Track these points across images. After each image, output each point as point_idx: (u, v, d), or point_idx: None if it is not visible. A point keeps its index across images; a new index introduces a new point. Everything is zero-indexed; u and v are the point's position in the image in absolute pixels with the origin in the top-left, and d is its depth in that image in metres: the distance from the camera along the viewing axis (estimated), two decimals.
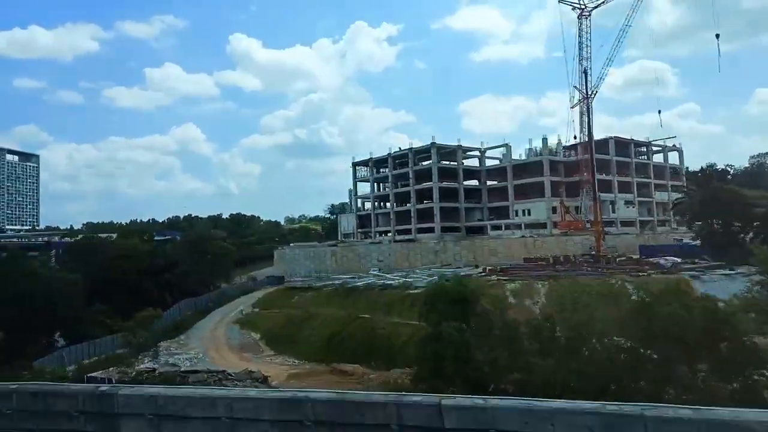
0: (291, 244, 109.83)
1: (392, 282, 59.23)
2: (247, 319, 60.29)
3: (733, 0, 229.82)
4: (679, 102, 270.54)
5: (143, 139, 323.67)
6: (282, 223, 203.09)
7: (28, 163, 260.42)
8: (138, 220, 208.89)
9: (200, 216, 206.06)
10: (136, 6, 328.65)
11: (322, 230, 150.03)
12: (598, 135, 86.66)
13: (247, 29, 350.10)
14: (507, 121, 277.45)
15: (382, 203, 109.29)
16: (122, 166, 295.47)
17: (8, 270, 49.93)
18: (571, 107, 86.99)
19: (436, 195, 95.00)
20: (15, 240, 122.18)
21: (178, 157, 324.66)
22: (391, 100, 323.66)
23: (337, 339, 50.97)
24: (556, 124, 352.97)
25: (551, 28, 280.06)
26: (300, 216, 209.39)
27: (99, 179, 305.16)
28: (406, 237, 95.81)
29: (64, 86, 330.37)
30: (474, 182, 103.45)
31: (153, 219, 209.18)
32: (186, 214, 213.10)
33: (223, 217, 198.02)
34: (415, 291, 56.34)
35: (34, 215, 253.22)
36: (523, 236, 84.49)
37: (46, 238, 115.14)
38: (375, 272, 73.15)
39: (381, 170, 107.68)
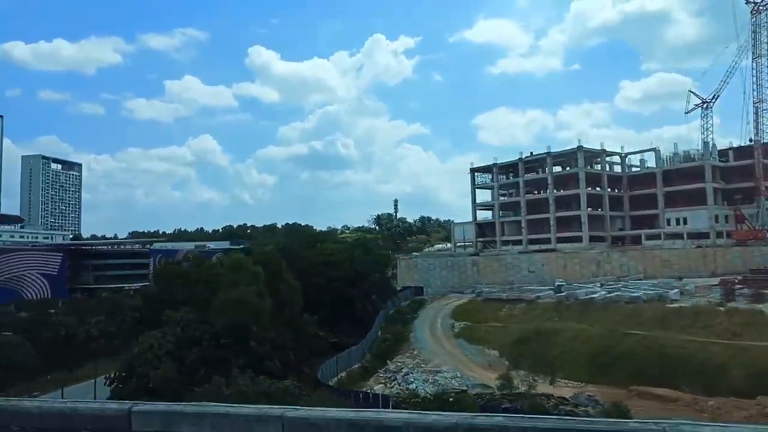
0: (415, 254, 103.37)
1: (637, 294, 52.82)
2: (469, 333, 53.89)
3: None
4: None
5: (160, 150, 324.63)
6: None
7: (71, 172, 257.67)
8: (183, 230, 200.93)
9: (256, 225, 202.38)
10: (159, 18, 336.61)
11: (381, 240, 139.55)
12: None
13: (266, 42, 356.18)
14: (523, 133, 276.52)
15: (499, 211, 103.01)
16: (138, 177, 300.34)
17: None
18: (686, 112, 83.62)
19: (583, 202, 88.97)
20: (127, 247, 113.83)
21: (193, 167, 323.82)
22: (407, 113, 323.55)
23: (606, 357, 44.64)
24: (572, 136, 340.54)
25: (569, 41, 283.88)
26: (343, 226, 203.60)
27: (116, 189, 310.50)
28: (544, 247, 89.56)
29: (86, 98, 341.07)
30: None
31: (179, 229, 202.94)
32: (240, 224, 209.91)
33: (279, 226, 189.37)
34: (672, 305, 50.14)
35: (76, 223, 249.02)
36: (699, 246, 77.93)
37: (146, 246, 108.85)
38: (561, 283, 66.64)
39: (499, 177, 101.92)
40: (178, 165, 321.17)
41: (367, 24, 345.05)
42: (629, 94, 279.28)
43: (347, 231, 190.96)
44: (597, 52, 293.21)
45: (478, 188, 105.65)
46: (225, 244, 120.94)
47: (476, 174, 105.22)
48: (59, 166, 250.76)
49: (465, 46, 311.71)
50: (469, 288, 76.15)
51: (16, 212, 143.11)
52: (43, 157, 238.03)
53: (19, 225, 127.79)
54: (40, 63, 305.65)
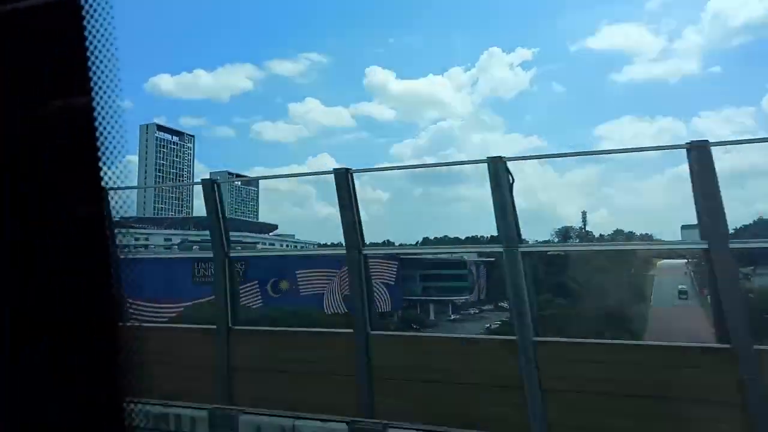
0: None
1: None
2: None
3: None
4: None
5: (283, 169, 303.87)
6: None
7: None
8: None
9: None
10: (286, 45, 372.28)
11: None
12: None
13: (383, 61, 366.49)
14: (651, 142, 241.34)
15: None
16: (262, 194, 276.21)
17: None
18: None
19: None
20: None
21: (313, 185, 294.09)
22: (523, 126, 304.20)
23: None
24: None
25: (707, 43, 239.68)
26: None
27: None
28: None
29: (220, 122, 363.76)
30: None
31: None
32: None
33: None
34: None
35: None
36: None
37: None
38: None
39: None
40: (299, 183, 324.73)
41: (483, 38, 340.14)
42: None
43: None
44: (740, 52, 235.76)
45: None
46: None
47: None
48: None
49: (587, 55, 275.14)
50: None
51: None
52: None
53: (274, 233, 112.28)
54: (182, 92, 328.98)
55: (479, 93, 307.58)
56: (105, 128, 1.51)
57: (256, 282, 59.60)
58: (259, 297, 59.41)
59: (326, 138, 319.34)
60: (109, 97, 1.52)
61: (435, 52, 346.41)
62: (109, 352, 1.55)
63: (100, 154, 1.50)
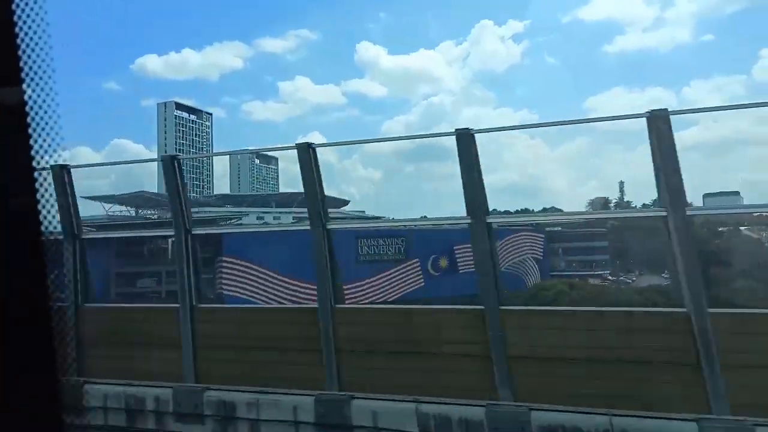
0: None
1: None
2: None
3: None
4: None
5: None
6: None
7: None
8: None
9: None
10: (276, 22, 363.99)
11: None
12: None
13: (374, 37, 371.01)
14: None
15: None
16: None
17: None
18: None
19: None
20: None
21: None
22: (514, 100, 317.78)
23: None
24: (700, 116, 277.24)
25: (700, 10, 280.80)
26: None
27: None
28: None
29: (210, 102, 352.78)
30: None
31: None
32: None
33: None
34: None
35: None
36: None
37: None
38: None
39: None
40: (289, 163, 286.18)
41: (474, 10, 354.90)
42: None
43: None
44: (734, 20, 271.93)
45: None
46: None
47: None
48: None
49: (579, 26, 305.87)
50: None
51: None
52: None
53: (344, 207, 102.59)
54: (170, 73, 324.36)
55: (471, 67, 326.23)
56: (40, 119, 1.48)
57: (417, 260, 54.75)
58: (421, 276, 54.50)
59: (317, 116, 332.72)
60: (42, 88, 1.49)
61: (426, 26, 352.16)
62: (42, 335, 1.54)
63: (32, 142, 1.48)
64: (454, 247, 53.07)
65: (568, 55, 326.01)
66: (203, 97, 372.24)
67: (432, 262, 55.10)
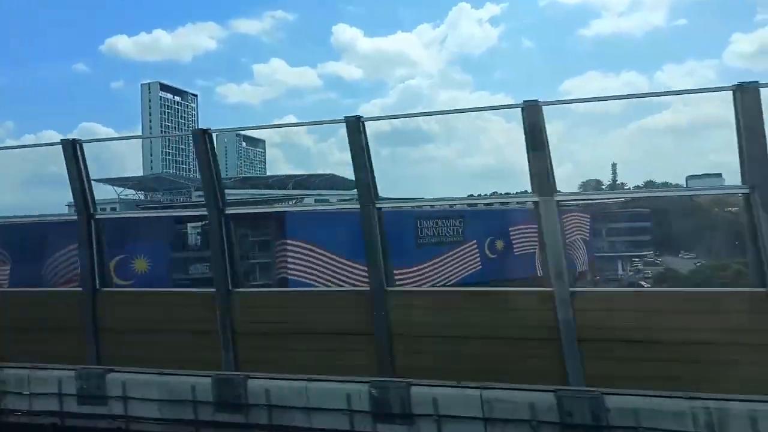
0: None
1: None
2: None
3: None
4: None
5: (250, 133, 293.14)
6: None
7: None
8: None
9: None
10: (251, 2, 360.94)
11: None
12: None
13: (350, 19, 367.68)
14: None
15: None
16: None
17: None
18: None
19: None
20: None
21: (280, 148, 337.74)
22: (491, 83, 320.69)
23: None
24: (672, 99, 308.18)
25: None
26: None
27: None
28: None
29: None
30: None
31: None
32: None
33: None
34: None
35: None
36: None
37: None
38: None
39: None
40: (266, 147, 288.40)
41: None
42: (741, 48, 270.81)
43: None
44: (707, 5, 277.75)
45: None
46: None
47: None
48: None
49: (556, 9, 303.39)
50: None
51: None
52: None
53: None
54: (141, 54, 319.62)
55: (448, 50, 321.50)
56: None
57: (474, 242, 52.18)
58: (478, 258, 52.09)
59: (292, 99, 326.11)
60: None
61: (404, 8, 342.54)
62: None
63: None
64: (510, 228, 51.63)
65: (545, 38, 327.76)
66: (176, 79, 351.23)
67: (489, 243, 53.44)
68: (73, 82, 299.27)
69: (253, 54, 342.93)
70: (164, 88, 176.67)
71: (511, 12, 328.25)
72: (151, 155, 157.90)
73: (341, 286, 31.07)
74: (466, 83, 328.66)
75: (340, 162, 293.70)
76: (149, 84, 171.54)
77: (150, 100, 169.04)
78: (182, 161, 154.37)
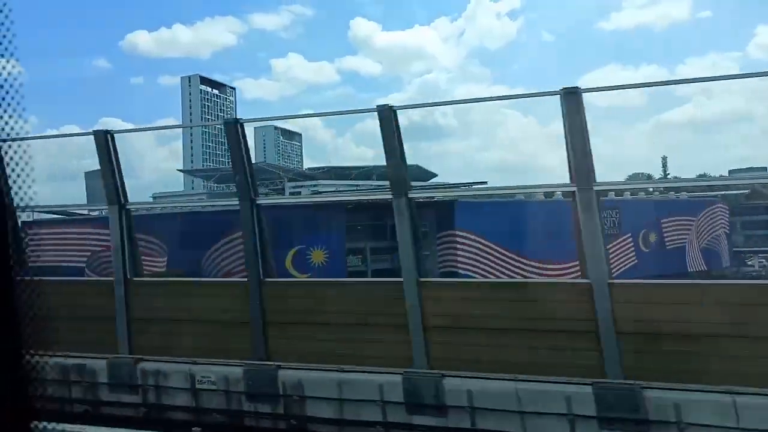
0: None
1: None
2: None
3: None
4: None
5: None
6: None
7: None
8: None
9: None
10: None
11: None
12: None
13: (368, 13, 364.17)
14: (635, 92, 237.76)
15: None
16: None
17: None
18: None
19: None
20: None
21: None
22: (509, 77, 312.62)
23: None
24: (692, 91, 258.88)
25: None
26: None
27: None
28: None
29: (201, 81, 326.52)
30: None
31: None
32: None
33: None
34: None
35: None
36: None
37: None
38: None
39: None
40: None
41: None
42: (765, 40, 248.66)
43: None
44: None
45: None
46: None
47: None
48: None
49: (575, 2, 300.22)
50: None
51: None
52: None
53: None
54: (161, 49, 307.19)
55: (466, 44, 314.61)
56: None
57: (630, 235, 51.96)
58: (633, 252, 48.98)
59: (310, 95, 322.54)
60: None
61: (421, 1, 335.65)
62: (6, 308, 1.50)
63: None
64: (662, 220, 48.02)
65: (564, 31, 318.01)
66: (194, 73, 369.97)
67: (642, 236, 50.37)
68: (93, 77, 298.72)
69: (271, 48, 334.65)
70: (204, 81, 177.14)
71: (530, 5, 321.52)
72: (192, 150, 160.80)
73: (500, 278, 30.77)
74: (485, 77, 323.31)
75: (357, 157, 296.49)
76: (189, 77, 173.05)
77: (191, 94, 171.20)
78: (222, 154, 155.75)
